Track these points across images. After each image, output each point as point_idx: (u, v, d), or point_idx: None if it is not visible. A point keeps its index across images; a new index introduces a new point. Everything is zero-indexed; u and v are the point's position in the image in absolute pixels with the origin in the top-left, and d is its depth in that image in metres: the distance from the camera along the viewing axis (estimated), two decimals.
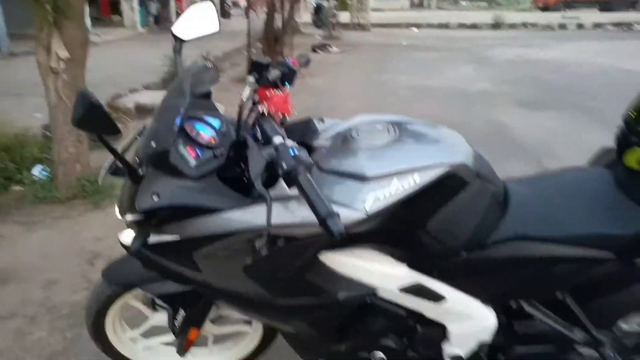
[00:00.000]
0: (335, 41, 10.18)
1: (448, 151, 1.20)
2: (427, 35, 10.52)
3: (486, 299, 1.35)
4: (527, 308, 1.36)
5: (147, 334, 1.73)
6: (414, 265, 1.28)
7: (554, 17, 16.39)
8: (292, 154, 1.03)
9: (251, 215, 1.11)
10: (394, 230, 1.19)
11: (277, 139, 1.08)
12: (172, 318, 1.48)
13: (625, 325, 1.42)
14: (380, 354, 1.44)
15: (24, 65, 6.12)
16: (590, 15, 16.56)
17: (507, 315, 1.49)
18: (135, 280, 1.43)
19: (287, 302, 1.26)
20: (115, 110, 4.89)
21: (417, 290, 1.30)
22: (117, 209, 1.21)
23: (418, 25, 14.88)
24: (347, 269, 1.27)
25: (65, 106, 3.07)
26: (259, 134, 1.21)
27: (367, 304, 1.34)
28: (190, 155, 1.13)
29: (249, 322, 1.73)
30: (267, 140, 1.13)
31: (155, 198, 1.08)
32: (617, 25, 12.44)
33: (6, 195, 3.24)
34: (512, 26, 12.62)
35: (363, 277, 1.27)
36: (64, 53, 2.97)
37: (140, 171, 1.09)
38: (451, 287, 1.32)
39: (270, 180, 1.13)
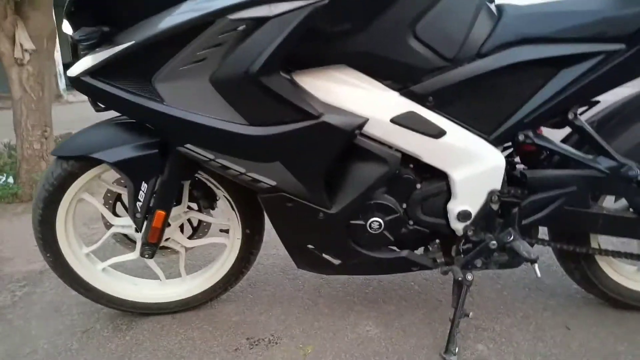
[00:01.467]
0: None
1: None
2: None
3: (490, 136, 1.20)
4: (539, 141, 1.21)
5: (106, 253, 1.50)
6: (405, 93, 1.15)
7: None
8: None
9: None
10: (382, 37, 1.07)
11: None
12: (133, 198, 1.27)
13: None
14: (377, 221, 1.25)
15: None
16: None
17: (516, 158, 1.33)
18: (87, 148, 1.23)
19: (265, 131, 1.10)
20: None
21: (412, 121, 1.16)
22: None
23: None
24: (330, 95, 1.13)
25: (29, 99, 2.94)
26: None
27: (357, 150, 1.18)
28: None
29: (226, 231, 1.52)
30: None
31: None
32: None
33: None
34: None
35: (349, 104, 1.13)
36: (29, 44, 2.89)
37: None
38: (450, 121, 1.18)
39: None
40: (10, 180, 3.09)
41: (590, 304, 1.54)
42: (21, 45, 2.90)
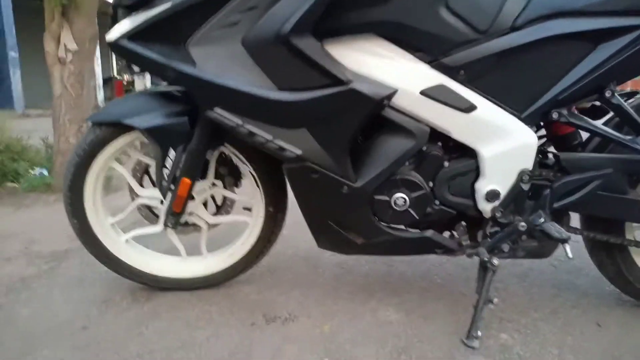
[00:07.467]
0: None
1: None
2: None
3: (523, 114, 1.17)
4: (573, 120, 1.18)
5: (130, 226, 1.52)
6: (436, 66, 1.14)
7: None
8: None
9: None
10: (413, 6, 1.08)
11: None
12: (160, 165, 1.29)
13: None
14: (402, 197, 1.23)
15: (32, 123, 6.25)
16: None
17: (549, 140, 1.30)
18: (120, 114, 1.27)
19: (294, 97, 1.11)
20: None
21: (442, 94, 1.15)
22: None
23: None
24: (359, 65, 1.14)
25: (69, 96, 3.06)
26: None
27: (385, 122, 1.18)
28: None
29: (249, 209, 1.52)
30: None
31: None
32: None
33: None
34: None
35: (378, 74, 1.13)
36: (72, 45, 3.04)
37: None
38: (481, 95, 1.16)
39: None
40: (45, 172, 3.20)
41: (624, 305, 1.46)
42: (65, 45, 3.05)
